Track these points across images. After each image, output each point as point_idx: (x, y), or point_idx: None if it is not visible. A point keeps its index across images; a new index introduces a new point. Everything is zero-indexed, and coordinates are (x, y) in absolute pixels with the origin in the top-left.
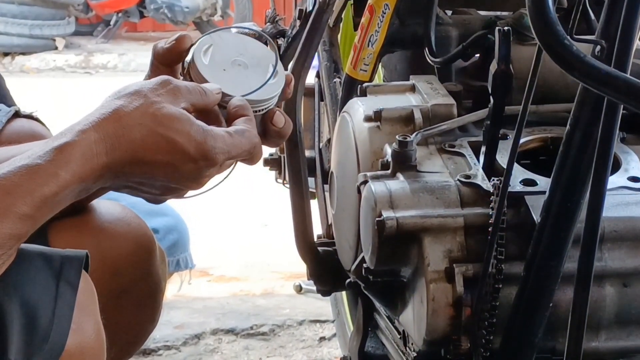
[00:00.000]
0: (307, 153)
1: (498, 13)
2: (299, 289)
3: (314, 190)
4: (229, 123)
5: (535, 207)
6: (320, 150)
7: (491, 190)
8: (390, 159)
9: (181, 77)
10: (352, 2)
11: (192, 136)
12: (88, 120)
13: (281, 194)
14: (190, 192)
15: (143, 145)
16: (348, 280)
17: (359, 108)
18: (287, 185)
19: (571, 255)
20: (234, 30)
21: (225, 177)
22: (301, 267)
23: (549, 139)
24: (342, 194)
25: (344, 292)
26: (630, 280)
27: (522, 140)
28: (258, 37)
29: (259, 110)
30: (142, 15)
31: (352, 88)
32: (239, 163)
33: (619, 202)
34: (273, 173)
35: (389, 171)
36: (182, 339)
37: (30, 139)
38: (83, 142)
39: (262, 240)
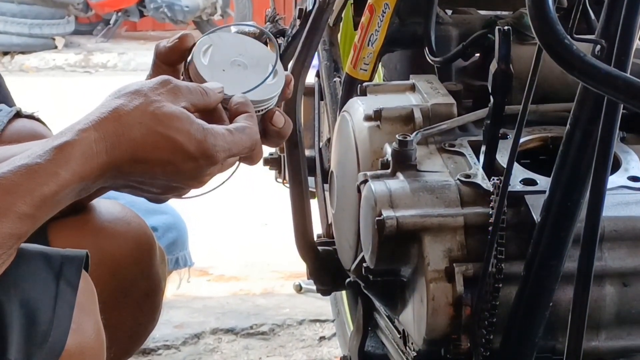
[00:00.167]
0: (307, 152)
1: (498, 12)
2: (299, 289)
3: (314, 190)
4: (230, 121)
5: (535, 206)
6: (320, 149)
7: (491, 189)
8: (390, 159)
9: (182, 77)
10: (352, 1)
11: (192, 135)
12: (88, 120)
13: (281, 194)
14: (192, 192)
15: (143, 144)
16: (348, 280)
17: (359, 107)
18: (287, 185)
19: (571, 254)
20: (234, 29)
21: (228, 178)
22: (301, 266)
23: (549, 138)
24: (342, 194)
25: (343, 292)
26: (630, 280)
27: (522, 140)
28: (259, 35)
29: (259, 111)
30: (141, 15)
31: (352, 87)
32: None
33: (619, 201)
34: (273, 172)
35: (389, 170)
36: (181, 338)
37: (31, 139)
38: (83, 141)
39: (262, 239)
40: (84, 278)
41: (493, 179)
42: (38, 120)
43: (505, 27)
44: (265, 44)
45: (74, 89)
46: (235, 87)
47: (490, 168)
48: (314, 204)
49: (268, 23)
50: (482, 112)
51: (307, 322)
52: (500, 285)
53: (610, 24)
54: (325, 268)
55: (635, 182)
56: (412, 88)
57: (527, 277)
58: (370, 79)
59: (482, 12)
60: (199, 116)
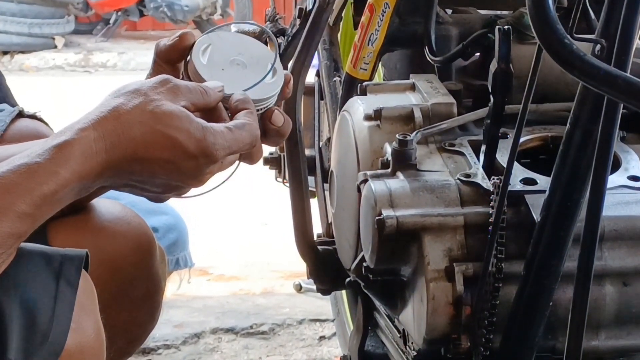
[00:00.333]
0: (307, 152)
1: (498, 12)
2: (299, 288)
3: (314, 189)
4: (231, 119)
5: (535, 206)
6: (320, 149)
7: (491, 189)
8: (390, 158)
9: (182, 77)
10: (352, 0)
11: (191, 133)
12: (87, 119)
13: (281, 193)
14: (192, 192)
15: (143, 142)
16: (348, 279)
17: (359, 107)
18: (287, 184)
19: (571, 254)
20: (234, 28)
21: (228, 178)
22: (301, 266)
23: (549, 138)
24: (342, 193)
25: (343, 291)
26: (630, 279)
27: (522, 139)
28: (259, 34)
29: (258, 110)
30: (141, 14)
31: (352, 87)
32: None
33: (619, 201)
34: (273, 172)
35: (389, 170)
36: (181, 338)
37: (34, 139)
38: (82, 140)
39: (262, 239)
40: (83, 278)
41: (493, 179)
42: (40, 120)
43: (506, 27)
44: (265, 43)
45: (74, 89)
46: (234, 86)
47: (490, 167)
48: (314, 203)
49: (268, 22)
50: (482, 112)
51: (307, 321)
52: (500, 284)
53: (610, 24)
54: (325, 268)
55: (635, 181)
56: (412, 87)
57: (527, 276)
58: (370, 79)
59: (482, 12)
60: (199, 115)
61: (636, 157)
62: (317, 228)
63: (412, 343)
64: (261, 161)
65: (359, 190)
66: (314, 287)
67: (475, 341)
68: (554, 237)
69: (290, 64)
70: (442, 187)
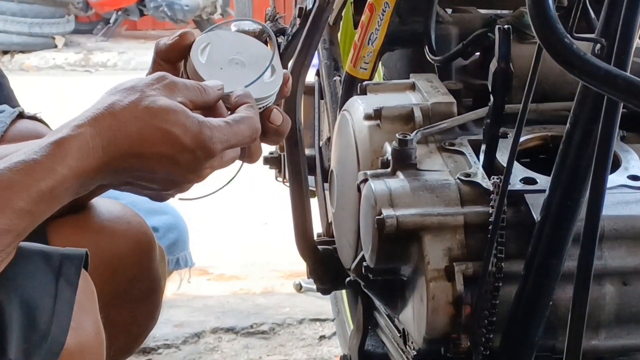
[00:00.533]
0: (307, 151)
1: (498, 11)
2: (299, 288)
3: (314, 189)
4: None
5: (535, 205)
6: (320, 148)
7: (491, 188)
8: (390, 158)
9: (182, 76)
10: (352, 0)
11: (187, 127)
12: (84, 116)
13: (281, 193)
14: (194, 195)
15: (139, 138)
16: (348, 279)
17: (359, 106)
18: (287, 184)
19: (571, 253)
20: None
21: (231, 180)
22: (301, 265)
23: (549, 137)
24: (342, 193)
25: (344, 291)
26: (630, 279)
27: (522, 139)
28: (259, 33)
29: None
30: (141, 14)
31: (352, 86)
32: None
33: (618, 200)
34: (273, 171)
35: (389, 169)
36: (181, 337)
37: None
38: (79, 137)
39: (262, 239)
40: (83, 277)
41: (493, 178)
42: (41, 121)
43: (506, 26)
44: (265, 42)
45: (74, 88)
46: (233, 85)
47: (490, 167)
48: (314, 203)
49: (268, 22)
50: (482, 111)
51: (307, 321)
52: (500, 284)
53: (610, 23)
54: (325, 267)
55: (635, 181)
56: (412, 87)
57: (527, 276)
58: (370, 78)
59: (482, 11)
60: (199, 113)
61: (636, 157)
62: (317, 227)
63: (412, 342)
64: (261, 161)
65: (359, 190)
66: (314, 286)
67: (475, 341)
68: (553, 236)
69: (290, 64)
70: (442, 186)
